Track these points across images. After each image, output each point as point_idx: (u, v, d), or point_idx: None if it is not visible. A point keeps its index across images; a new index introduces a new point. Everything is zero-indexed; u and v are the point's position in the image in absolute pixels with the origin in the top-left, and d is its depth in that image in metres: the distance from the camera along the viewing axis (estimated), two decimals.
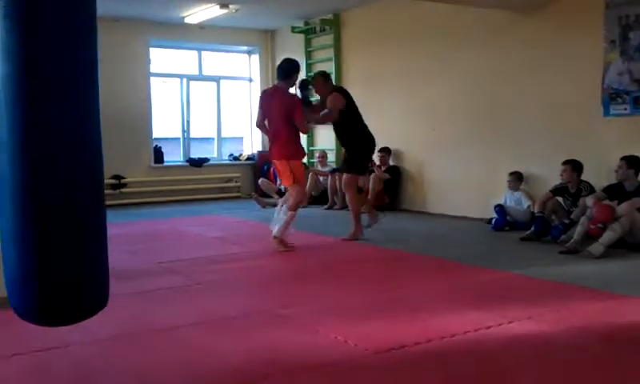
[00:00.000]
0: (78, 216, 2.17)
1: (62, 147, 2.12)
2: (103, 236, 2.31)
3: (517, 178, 7.31)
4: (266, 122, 6.10)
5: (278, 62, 6.35)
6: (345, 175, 6.63)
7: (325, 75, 6.73)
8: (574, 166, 6.31)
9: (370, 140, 6.67)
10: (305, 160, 7.10)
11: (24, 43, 2.06)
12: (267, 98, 6.14)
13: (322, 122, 7.06)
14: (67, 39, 2.13)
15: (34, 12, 2.07)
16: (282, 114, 5.87)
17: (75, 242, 2.17)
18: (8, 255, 2.18)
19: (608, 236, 5.49)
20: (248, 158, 11.94)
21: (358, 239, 6.42)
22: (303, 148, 6.23)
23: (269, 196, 10.43)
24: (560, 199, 6.49)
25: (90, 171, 2.22)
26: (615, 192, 5.84)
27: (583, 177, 6.34)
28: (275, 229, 5.92)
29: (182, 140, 11.65)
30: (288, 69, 6.11)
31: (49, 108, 2.10)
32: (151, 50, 10.97)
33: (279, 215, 6.08)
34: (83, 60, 2.20)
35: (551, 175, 6.81)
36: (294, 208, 5.88)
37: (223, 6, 9.40)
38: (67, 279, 2.17)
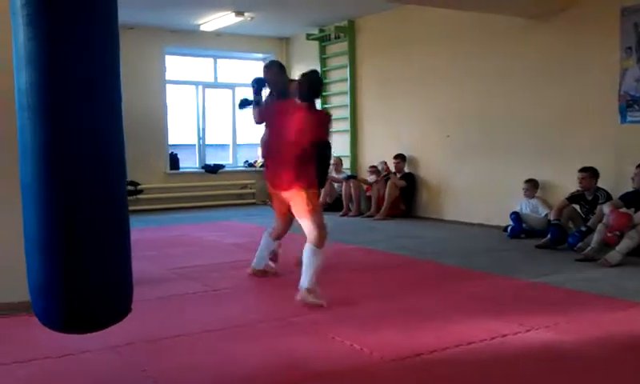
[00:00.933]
0: (103, 223, 2.19)
1: (87, 154, 2.14)
2: (128, 242, 2.33)
3: (532, 186, 7.27)
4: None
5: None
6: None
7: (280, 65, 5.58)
8: (593, 174, 6.27)
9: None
10: None
11: (47, 50, 2.07)
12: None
13: None
14: (89, 45, 2.15)
15: (56, 19, 2.08)
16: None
17: (101, 249, 2.19)
18: (32, 263, 2.20)
19: (625, 244, 5.45)
20: (263, 165, 11.95)
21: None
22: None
23: None
24: (576, 207, 6.44)
25: (115, 178, 2.24)
26: (632, 200, 5.79)
27: (599, 184, 6.30)
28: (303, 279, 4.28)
29: (197, 146, 11.70)
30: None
31: (73, 115, 2.12)
32: (167, 57, 11.04)
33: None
34: (106, 65, 2.22)
35: (567, 182, 6.77)
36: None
37: (239, 13, 9.45)
38: (93, 286, 2.18)
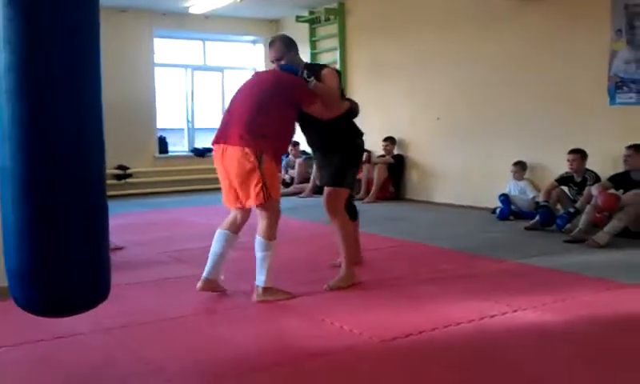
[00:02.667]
0: (81, 206, 2.18)
1: (64, 138, 2.13)
2: (105, 225, 2.32)
3: (521, 168, 7.30)
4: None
5: None
6: (330, 191, 4.31)
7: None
8: (582, 155, 6.31)
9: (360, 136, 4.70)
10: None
11: (25, 32, 2.05)
12: None
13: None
14: (69, 28, 2.13)
15: (38, 1, 2.06)
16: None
17: (78, 232, 2.18)
18: (9, 247, 2.19)
19: (613, 225, 5.49)
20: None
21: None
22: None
23: None
24: (565, 188, 6.48)
25: (92, 162, 2.23)
26: (621, 181, 5.83)
27: (588, 166, 6.34)
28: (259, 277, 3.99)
29: (186, 130, 11.66)
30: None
31: (51, 99, 2.10)
32: (155, 40, 10.96)
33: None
34: (86, 49, 2.19)
35: (556, 164, 6.80)
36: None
37: None
38: (69, 271, 2.18)
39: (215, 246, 4.16)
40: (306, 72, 4.14)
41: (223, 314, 3.69)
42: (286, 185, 10.34)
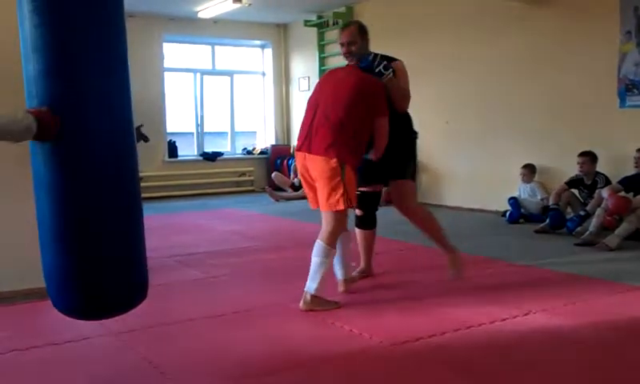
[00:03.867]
0: (117, 210, 2.19)
1: (98, 144, 2.13)
2: (141, 229, 2.33)
3: (530, 171, 7.27)
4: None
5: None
6: (398, 184, 4.33)
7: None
8: (592, 158, 6.28)
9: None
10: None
11: (54, 38, 2.06)
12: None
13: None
14: (96, 33, 2.13)
15: (62, 6, 2.07)
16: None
17: (115, 236, 2.19)
18: (47, 253, 2.20)
19: (624, 228, 5.46)
20: (261, 152, 11.97)
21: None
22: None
23: (282, 189, 10.46)
24: (575, 191, 6.45)
25: (127, 166, 2.23)
26: (631, 183, 5.80)
27: (598, 168, 6.31)
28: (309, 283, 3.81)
29: (195, 134, 11.69)
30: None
31: (80, 103, 2.11)
32: (165, 44, 11.01)
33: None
34: (113, 53, 2.21)
35: (565, 167, 6.78)
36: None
37: (236, 0, 9.41)
38: (108, 273, 2.19)
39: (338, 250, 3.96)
40: (382, 65, 4.10)
41: (231, 318, 3.68)
42: (295, 188, 10.35)
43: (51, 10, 2.05)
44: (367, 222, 4.50)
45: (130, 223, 2.25)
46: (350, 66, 4.18)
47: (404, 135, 4.34)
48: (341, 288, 4.12)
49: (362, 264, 4.57)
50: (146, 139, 5.44)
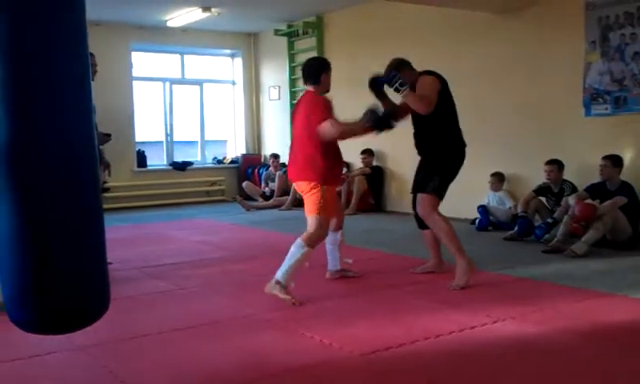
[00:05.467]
0: (75, 222, 2.13)
1: (56, 150, 2.07)
2: (102, 239, 2.27)
3: (498, 179, 7.35)
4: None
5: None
6: (418, 196, 4.87)
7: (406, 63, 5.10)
8: (560, 166, 6.37)
9: (460, 147, 5.06)
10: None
11: (12, 39, 2.01)
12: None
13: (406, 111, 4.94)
14: (58, 39, 2.08)
15: (24, 12, 2.02)
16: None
17: (73, 248, 2.13)
18: (3, 263, 2.13)
19: (591, 234, 5.54)
20: (232, 162, 11.91)
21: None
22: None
23: (253, 199, 10.42)
24: (543, 199, 6.53)
25: (87, 174, 2.17)
26: (597, 191, 5.89)
27: (565, 176, 6.39)
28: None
29: (165, 144, 11.60)
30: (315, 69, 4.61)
31: (40, 108, 2.05)
32: (133, 53, 10.91)
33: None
34: (74, 58, 2.15)
35: (533, 175, 6.86)
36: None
37: (206, 9, 9.37)
38: (66, 287, 2.13)
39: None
40: (399, 82, 4.57)
41: (201, 330, 3.64)
42: (266, 198, 10.32)
43: (8, 11, 2.00)
44: (421, 222, 5.00)
45: (87, 235, 2.19)
46: (305, 91, 4.61)
47: (434, 152, 4.93)
48: (327, 275, 4.84)
49: (431, 261, 5.06)
50: (107, 135, 5.36)
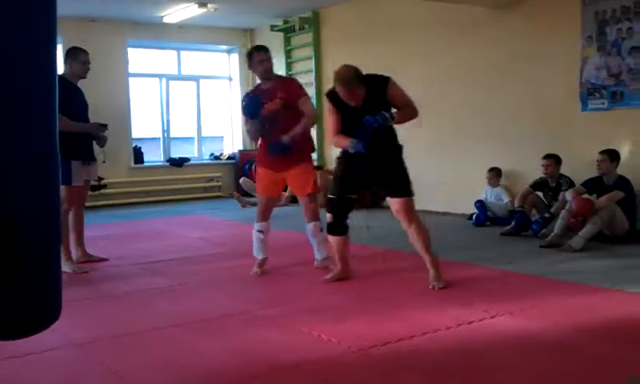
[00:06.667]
0: (22, 226, 2.02)
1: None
2: (57, 244, 2.16)
3: (495, 174, 7.35)
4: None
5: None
6: (403, 201, 4.49)
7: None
8: (557, 160, 6.37)
9: None
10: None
11: None
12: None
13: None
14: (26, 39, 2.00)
15: None
16: None
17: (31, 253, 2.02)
18: None
19: (588, 229, 5.54)
20: (229, 158, 11.90)
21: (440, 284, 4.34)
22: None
23: (250, 195, 10.41)
24: (540, 194, 6.54)
25: (39, 176, 2.05)
26: (594, 185, 5.89)
27: (562, 171, 6.40)
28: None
29: (162, 140, 11.58)
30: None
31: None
32: (130, 50, 10.88)
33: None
34: (42, 58, 2.05)
35: (530, 170, 6.86)
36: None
37: (202, 5, 9.35)
38: (14, 293, 2.03)
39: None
40: (386, 118, 4.20)
41: (199, 326, 3.64)
42: None
43: None
44: (340, 228, 4.58)
45: (39, 235, 2.07)
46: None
47: (393, 150, 4.55)
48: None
49: (339, 267, 4.68)
50: (103, 125, 5.14)
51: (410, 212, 4.43)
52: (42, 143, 2.02)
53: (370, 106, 4.18)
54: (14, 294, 2.00)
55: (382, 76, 4.46)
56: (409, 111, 4.39)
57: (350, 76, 4.22)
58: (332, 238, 4.60)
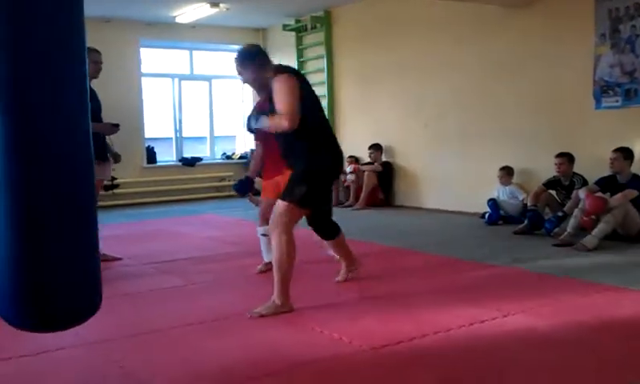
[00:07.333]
0: (69, 220, 2.13)
1: (53, 151, 2.08)
2: (95, 237, 2.27)
3: (507, 173, 7.32)
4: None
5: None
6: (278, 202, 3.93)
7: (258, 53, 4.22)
8: (570, 159, 6.34)
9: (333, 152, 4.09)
10: None
11: (12, 47, 2.01)
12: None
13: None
14: (55, 40, 2.09)
15: (22, 15, 2.02)
16: None
17: (66, 246, 2.13)
18: None
19: (601, 228, 5.51)
20: (241, 157, 11.91)
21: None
22: None
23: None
24: (553, 192, 6.50)
25: (81, 174, 2.18)
26: (608, 184, 5.86)
27: (575, 169, 6.36)
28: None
29: (174, 140, 11.62)
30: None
31: (38, 110, 2.06)
32: (142, 50, 10.93)
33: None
34: (71, 60, 2.15)
35: (543, 168, 6.83)
36: None
37: (214, 5, 9.38)
38: (54, 285, 2.13)
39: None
40: (254, 124, 4.06)
41: (211, 325, 3.65)
42: None
43: (8, 14, 2.00)
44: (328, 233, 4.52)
45: (81, 232, 2.18)
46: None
47: (300, 163, 3.98)
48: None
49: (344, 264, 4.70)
50: (115, 125, 5.14)
51: (279, 217, 3.85)
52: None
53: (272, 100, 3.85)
54: (56, 286, 2.09)
55: (279, 68, 4.02)
56: (275, 120, 3.79)
57: (241, 52, 4.18)
58: (326, 244, 4.58)
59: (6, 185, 2.04)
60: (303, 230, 4.20)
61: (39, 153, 2.05)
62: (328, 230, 4.47)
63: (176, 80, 11.52)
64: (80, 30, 2.18)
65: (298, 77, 4.01)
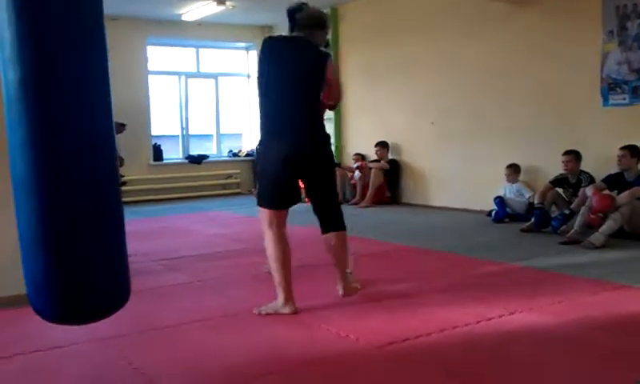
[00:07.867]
0: (98, 215, 2.17)
1: (80, 146, 2.12)
2: (122, 232, 2.31)
3: (514, 171, 7.31)
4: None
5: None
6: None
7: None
8: (577, 156, 6.32)
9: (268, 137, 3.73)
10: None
11: (34, 46, 2.05)
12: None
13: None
14: (76, 38, 2.12)
15: (43, 12, 2.05)
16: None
17: (96, 241, 2.17)
18: (28, 256, 2.18)
19: (608, 225, 5.50)
20: (247, 154, 11.94)
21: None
22: None
23: None
24: (560, 190, 6.49)
25: (107, 169, 2.22)
26: (615, 182, 5.84)
27: (582, 167, 6.35)
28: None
29: (180, 137, 11.65)
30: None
31: (63, 107, 2.09)
32: (149, 47, 10.96)
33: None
34: (93, 57, 2.19)
35: (550, 166, 6.82)
36: None
37: (220, 2, 9.38)
38: (86, 278, 2.17)
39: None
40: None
41: (219, 323, 3.67)
42: None
43: (32, 16, 2.03)
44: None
45: (110, 227, 2.23)
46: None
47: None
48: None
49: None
50: (122, 125, 5.17)
51: (262, 222, 3.79)
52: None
53: None
54: (79, 279, 2.14)
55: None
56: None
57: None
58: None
59: (33, 180, 2.08)
60: (312, 228, 4.19)
61: (66, 151, 2.10)
62: (328, 223, 4.12)
63: (182, 78, 11.55)
64: (101, 24, 2.22)
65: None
